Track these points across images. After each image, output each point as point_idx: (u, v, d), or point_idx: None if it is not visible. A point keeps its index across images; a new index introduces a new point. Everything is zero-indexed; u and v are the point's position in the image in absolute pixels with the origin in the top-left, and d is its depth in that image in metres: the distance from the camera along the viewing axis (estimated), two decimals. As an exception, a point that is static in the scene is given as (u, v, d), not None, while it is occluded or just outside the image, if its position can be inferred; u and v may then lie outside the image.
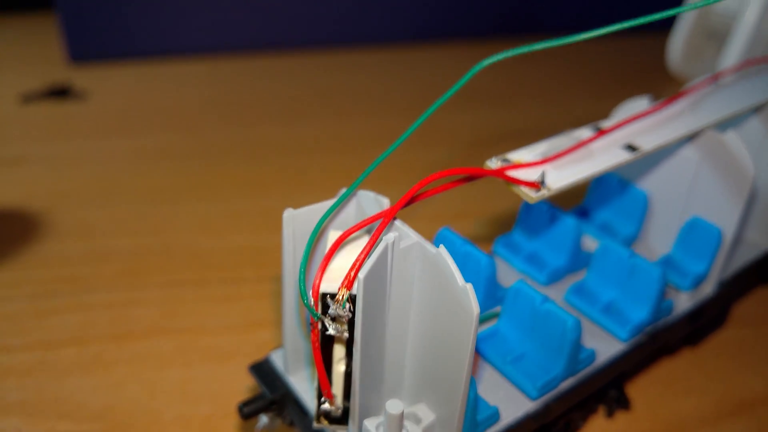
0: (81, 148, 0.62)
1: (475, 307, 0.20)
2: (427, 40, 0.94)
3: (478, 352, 0.29)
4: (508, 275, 0.35)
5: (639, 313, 0.31)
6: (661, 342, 0.32)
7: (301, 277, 0.21)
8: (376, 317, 0.21)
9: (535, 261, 0.35)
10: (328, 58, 0.88)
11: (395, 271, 0.22)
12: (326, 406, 0.24)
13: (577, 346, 0.27)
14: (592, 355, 0.29)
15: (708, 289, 0.34)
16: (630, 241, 0.37)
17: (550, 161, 0.27)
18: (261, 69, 0.84)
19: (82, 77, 0.79)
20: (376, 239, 0.21)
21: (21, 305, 0.41)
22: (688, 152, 0.34)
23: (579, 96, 0.78)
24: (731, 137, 0.32)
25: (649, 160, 0.36)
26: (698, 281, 0.34)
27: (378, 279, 0.21)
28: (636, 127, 0.31)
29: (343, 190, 0.25)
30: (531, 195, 0.25)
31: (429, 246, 0.22)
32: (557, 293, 0.33)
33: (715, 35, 0.76)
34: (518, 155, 0.27)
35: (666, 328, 0.32)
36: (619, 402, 0.33)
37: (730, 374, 0.37)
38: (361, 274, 0.20)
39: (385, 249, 0.21)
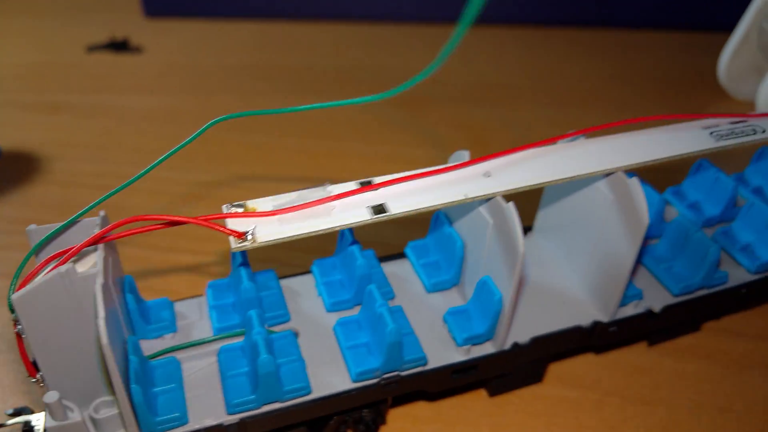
0: (112, 102, 0.72)
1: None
2: (491, 23, 0.93)
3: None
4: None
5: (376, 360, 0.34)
6: (393, 388, 0.34)
7: (11, 285, 0.27)
8: (42, 328, 0.27)
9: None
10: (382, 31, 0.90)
11: (69, 296, 0.27)
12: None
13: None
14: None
15: (491, 347, 0.36)
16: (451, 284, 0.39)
17: (282, 213, 0.30)
18: (313, 36, 0.88)
19: (146, 31, 0.89)
20: (41, 268, 0.27)
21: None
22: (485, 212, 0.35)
23: (601, 102, 0.74)
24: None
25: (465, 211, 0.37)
26: (477, 340, 0.35)
27: (41, 301, 0.26)
28: (408, 186, 0.32)
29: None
30: (233, 244, 0.29)
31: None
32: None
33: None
34: (256, 203, 0.30)
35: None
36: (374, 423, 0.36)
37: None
38: (14, 296, 0.25)
39: (53, 276, 0.26)
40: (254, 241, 0.29)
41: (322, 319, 0.37)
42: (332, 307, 0.37)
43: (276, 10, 0.92)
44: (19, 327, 0.27)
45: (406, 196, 0.32)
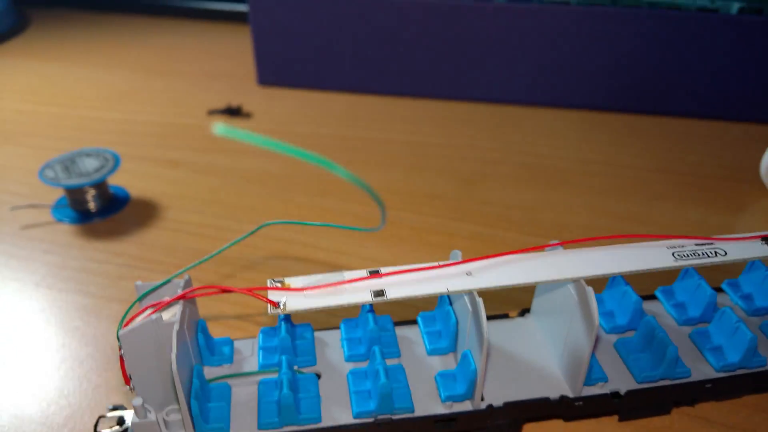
0: (220, 162, 0.88)
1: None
2: (544, 104, 1.02)
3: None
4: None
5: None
6: (384, 428, 0.44)
7: (120, 322, 0.41)
8: (136, 354, 0.40)
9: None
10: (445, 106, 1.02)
11: (157, 335, 0.40)
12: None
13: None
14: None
15: (469, 406, 0.45)
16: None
17: (308, 290, 0.42)
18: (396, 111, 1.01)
19: (256, 98, 1.06)
20: (141, 312, 0.40)
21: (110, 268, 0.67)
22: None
23: (642, 192, 0.81)
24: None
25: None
26: (458, 399, 0.45)
27: (138, 337, 0.39)
28: (405, 277, 0.43)
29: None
30: (269, 310, 0.41)
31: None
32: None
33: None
34: (291, 280, 0.42)
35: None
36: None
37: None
38: (121, 332, 0.39)
39: (147, 322, 0.39)
40: (284, 310, 0.40)
41: (341, 366, 0.48)
42: (349, 358, 0.48)
43: (367, 86, 1.06)
44: (122, 351, 0.40)
45: (402, 285, 0.42)
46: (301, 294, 0.41)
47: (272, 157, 0.88)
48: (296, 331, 0.50)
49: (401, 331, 0.51)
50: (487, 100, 1.03)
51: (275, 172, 0.85)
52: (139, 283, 0.43)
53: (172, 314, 0.41)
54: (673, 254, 0.46)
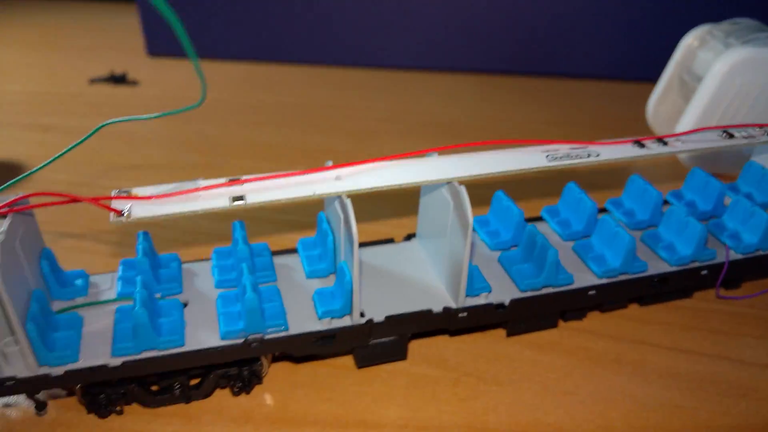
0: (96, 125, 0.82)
1: None
2: (443, 69, 1.02)
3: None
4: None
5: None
6: (256, 347, 0.41)
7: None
8: None
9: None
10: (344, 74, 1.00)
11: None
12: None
13: None
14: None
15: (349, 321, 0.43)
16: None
17: (157, 198, 0.38)
18: (292, 76, 0.98)
19: (144, 67, 1.00)
20: None
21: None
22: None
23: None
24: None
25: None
26: (335, 314, 0.42)
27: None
28: (268, 183, 0.40)
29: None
30: (111, 218, 0.37)
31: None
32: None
33: (687, 97, 0.76)
34: (140, 190, 0.38)
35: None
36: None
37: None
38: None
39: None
40: (128, 217, 0.36)
41: (210, 293, 0.44)
42: (219, 284, 0.45)
43: (259, 53, 1.03)
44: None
45: (265, 191, 0.39)
46: (149, 202, 0.38)
47: (156, 121, 0.83)
48: (160, 260, 0.46)
49: (280, 260, 0.48)
50: (383, 65, 1.02)
51: (162, 132, 0.80)
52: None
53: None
54: (546, 156, 0.45)
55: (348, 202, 0.39)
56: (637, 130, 0.80)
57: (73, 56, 1.07)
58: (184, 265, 0.47)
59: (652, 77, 0.82)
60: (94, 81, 0.95)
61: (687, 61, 0.76)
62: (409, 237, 0.52)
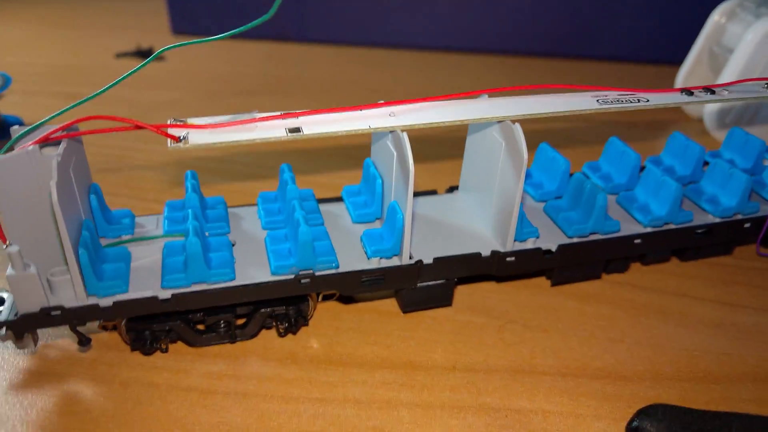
0: (124, 96, 0.82)
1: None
2: (472, 50, 1.02)
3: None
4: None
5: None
6: (307, 285, 0.41)
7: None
8: (11, 197, 0.34)
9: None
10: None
11: (34, 173, 0.34)
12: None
13: None
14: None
15: (397, 261, 0.42)
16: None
17: (212, 127, 0.38)
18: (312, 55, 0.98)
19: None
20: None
21: None
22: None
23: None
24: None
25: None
26: (385, 254, 0.42)
27: (11, 170, 0.34)
28: (323, 117, 0.40)
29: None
30: (168, 144, 0.36)
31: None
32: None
33: (717, 70, 0.76)
34: (196, 120, 0.38)
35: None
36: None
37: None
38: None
39: (22, 153, 0.34)
40: (186, 143, 0.36)
41: (258, 234, 0.44)
42: (267, 225, 0.44)
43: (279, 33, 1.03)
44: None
45: (320, 124, 0.39)
46: (206, 131, 0.37)
47: (181, 89, 0.83)
48: (207, 203, 0.46)
49: (325, 207, 0.48)
50: (413, 46, 1.03)
51: (186, 101, 0.80)
52: (16, 127, 0.37)
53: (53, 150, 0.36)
54: (597, 100, 0.45)
55: (404, 136, 0.39)
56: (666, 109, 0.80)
57: (98, 33, 1.07)
58: (230, 210, 0.46)
59: (679, 60, 0.82)
60: (120, 55, 0.95)
61: (716, 34, 0.76)
62: (452, 189, 0.52)
